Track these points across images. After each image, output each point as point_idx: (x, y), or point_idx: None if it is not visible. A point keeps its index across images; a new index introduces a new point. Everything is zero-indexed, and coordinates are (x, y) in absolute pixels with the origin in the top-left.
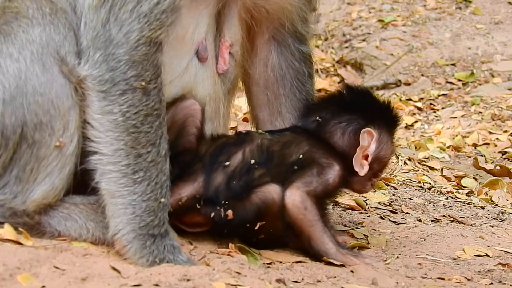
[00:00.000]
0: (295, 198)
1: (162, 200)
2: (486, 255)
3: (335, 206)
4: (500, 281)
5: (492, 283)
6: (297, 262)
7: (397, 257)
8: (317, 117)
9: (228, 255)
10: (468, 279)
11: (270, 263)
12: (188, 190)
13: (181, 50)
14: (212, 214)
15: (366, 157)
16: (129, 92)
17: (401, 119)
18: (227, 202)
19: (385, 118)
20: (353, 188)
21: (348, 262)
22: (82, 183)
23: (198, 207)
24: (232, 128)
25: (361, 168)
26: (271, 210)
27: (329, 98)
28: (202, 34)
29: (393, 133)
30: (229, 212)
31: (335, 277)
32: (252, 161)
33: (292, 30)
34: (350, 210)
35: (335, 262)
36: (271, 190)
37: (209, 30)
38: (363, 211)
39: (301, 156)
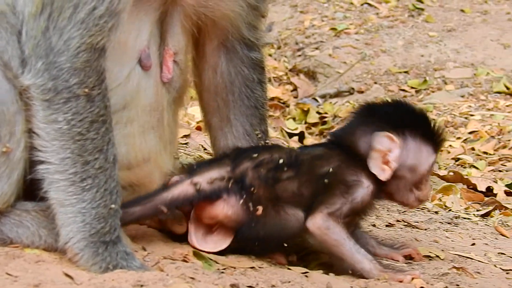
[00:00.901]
0: (316, 220)
1: (113, 206)
2: (440, 258)
3: None
4: (457, 285)
5: (447, 287)
6: (251, 267)
7: None
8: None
9: (183, 260)
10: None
11: (224, 269)
12: (216, 173)
13: (123, 58)
14: (241, 201)
15: (387, 163)
16: (73, 100)
17: (444, 132)
18: (253, 189)
19: (418, 128)
20: (396, 200)
21: (390, 277)
22: (32, 190)
23: (226, 193)
24: (185, 136)
25: (381, 172)
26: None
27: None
28: (145, 42)
29: (431, 144)
30: (259, 207)
31: (289, 281)
32: (281, 161)
33: (240, 36)
34: None
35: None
36: (295, 215)
37: (152, 38)
38: None
39: (331, 169)
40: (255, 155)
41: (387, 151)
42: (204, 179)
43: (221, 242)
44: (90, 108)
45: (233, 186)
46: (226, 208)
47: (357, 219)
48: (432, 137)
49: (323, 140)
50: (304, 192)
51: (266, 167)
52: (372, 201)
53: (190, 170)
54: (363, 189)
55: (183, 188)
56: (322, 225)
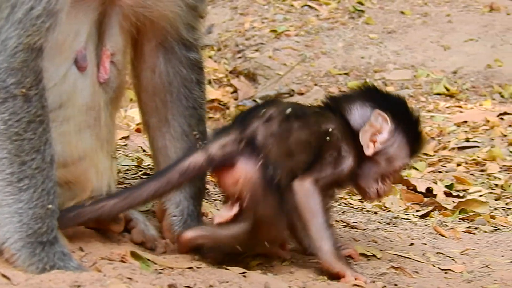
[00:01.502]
0: (304, 183)
1: (50, 206)
2: (377, 257)
3: None
4: (396, 284)
5: (385, 286)
6: (189, 268)
7: (292, 261)
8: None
9: (120, 261)
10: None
11: (162, 269)
12: (227, 138)
13: (59, 58)
14: (258, 161)
15: (374, 142)
16: (10, 100)
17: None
18: (268, 147)
19: (410, 128)
20: (359, 185)
21: (338, 268)
22: None
23: (240, 155)
24: (124, 137)
25: (367, 147)
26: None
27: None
28: (82, 43)
29: (413, 147)
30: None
31: (227, 282)
32: (289, 110)
33: (178, 37)
34: None
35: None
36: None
37: (89, 39)
38: None
39: (331, 129)
40: (263, 111)
41: (379, 130)
42: (216, 146)
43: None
44: (27, 108)
45: (246, 148)
46: (245, 171)
47: (330, 194)
48: (416, 142)
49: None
50: (312, 144)
51: (276, 120)
52: (348, 179)
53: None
54: (349, 162)
55: (193, 159)
56: (308, 188)
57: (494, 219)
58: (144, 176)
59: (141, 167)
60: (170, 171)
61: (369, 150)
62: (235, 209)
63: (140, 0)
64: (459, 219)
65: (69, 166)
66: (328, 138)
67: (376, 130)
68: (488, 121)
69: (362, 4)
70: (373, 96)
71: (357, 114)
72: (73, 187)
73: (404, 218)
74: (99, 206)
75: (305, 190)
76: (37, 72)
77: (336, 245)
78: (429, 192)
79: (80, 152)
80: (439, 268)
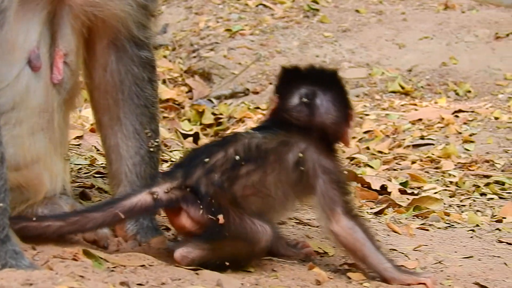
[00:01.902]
0: (342, 223)
1: (1, 205)
2: (329, 254)
3: None
4: (349, 281)
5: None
6: (141, 265)
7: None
8: (302, 98)
9: (72, 259)
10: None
11: (114, 267)
12: (172, 182)
13: (12, 58)
14: (201, 210)
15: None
16: None
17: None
18: (210, 198)
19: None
20: None
21: (407, 279)
22: None
23: (184, 202)
24: (78, 137)
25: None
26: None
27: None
28: (34, 43)
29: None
30: (220, 216)
31: (180, 279)
32: (237, 158)
33: (130, 35)
34: None
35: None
36: (263, 231)
37: (41, 39)
38: None
39: (300, 154)
40: (207, 159)
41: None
42: (161, 189)
43: None
44: None
45: (190, 195)
46: (190, 218)
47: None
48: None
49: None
50: (274, 188)
51: (220, 170)
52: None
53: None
54: (338, 165)
55: (142, 197)
56: (346, 225)
57: (448, 216)
58: (97, 175)
59: (94, 166)
60: (118, 206)
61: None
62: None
63: (89, 1)
64: (413, 216)
65: (22, 170)
66: (302, 168)
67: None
68: (443, 118)
69: (316, 3)
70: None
71: (321, 111)
72: (25, 191)
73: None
74: (45, 225)
75: (345, 229)
76: None
77: (391, 260)
78: (383, 189)
79: (33, 155)
80: None
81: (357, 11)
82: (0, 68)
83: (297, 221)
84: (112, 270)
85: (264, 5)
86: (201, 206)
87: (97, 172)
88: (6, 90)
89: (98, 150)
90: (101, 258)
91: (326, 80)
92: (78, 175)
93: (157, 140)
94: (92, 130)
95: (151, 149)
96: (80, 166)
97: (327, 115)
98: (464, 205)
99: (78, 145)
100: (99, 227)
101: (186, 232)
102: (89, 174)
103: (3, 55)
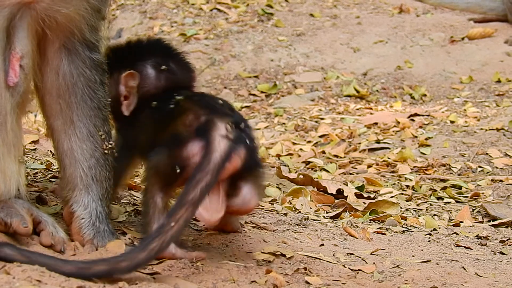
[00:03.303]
0: None
1: None
2: (288, 258)
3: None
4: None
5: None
6: None
7: (202, 264)
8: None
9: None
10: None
11: None
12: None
13: None
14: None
15: None
16: None
17: None
18: None
19: None
20: None
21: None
22: None
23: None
24: (34, 142)
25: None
26: None
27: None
28: None
29: None
30: None
31: (137, 283)
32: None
33: (82, 38)
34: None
35: None
36: None
37: None
38: None
39: None
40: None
41: None
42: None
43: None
44: None
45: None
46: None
47: None
48: None
49: None
50: None
51: None
52: None
53: None
54: None
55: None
56: None
57: (405, 220)
58: (53, 180)
59: (50, 170)
60: None
61: None
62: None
63: (52, 3)
64: (370, 220)
65: None
66: None
67: None
68: (398, 122)
69: (271, 7)
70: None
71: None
72: None
73: (314, 220)
74: None
75: None
76: None
77: None
78: (340, 193)
79: None
80: (349, 268)
81: (311, 15)
82: None
83: (254, 225)
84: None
85: (219, 10)
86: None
87: (53, 177)
88: None
89: (53, 154)
90: None
91: (163, 47)
92: (34, 179)
93: (110, 142)
94: (47, 135)
95: (106, 151)
96: (36, 171)
97: (185, 73)
98: (421, 209)
99: (34, 149)
100: None
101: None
102: (45, 178)
103: None
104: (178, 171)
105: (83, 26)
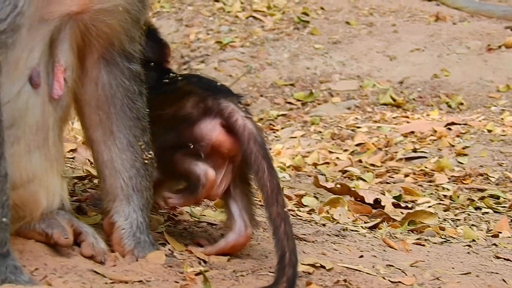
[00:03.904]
0: None
1: (3, 220)
2: (327, 270)
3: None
4: None
5: None
6: (139, 281)
7: (241, 275)
8: None
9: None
10: None
11: (112, 283)
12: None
13: (14, 75)
14: None
15: None
16: None
17: None
18: None
19: None
20: None
21: None
22: None
23: None
24: (72, 150)
25: None
26: None
27: None
28: (36, 60)
29: None
30: None
31: None
32: None
33: (120, 49)
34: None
35: None
36: None
37: (43, 55)
38: (201, 227)
39: None
40: None
41: None
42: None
43: None
44: None
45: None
46: None
47: None
48: None
49: None
50: None
51: None
52: None
53: None
54: None
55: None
56: None
57: (443, 230)
58: (90, 190)
59: (89, 180)
60: None
61: None
62: None
63: (98, 15)
64: (408, 230)
65: (18, 189)
66: None
67: None
68: (435, 131)
69: (307, 14)
70: None
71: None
72: (20, 210)
73: (353, 230)
74: None
75: None
76: None
77: None
78: (377, 203)
79: (29, 173)
80: (389, 280)
81: (347, 23)
82: (4, 85)
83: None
84: (112, 286)
85: (255, 17)
86: None
87: (92, 187)
88: (7, 106)
89: (92, 163)
90: (99, 273)
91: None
92: (74, 189)
93: (150, 152)
94: (84, 143)
95: (146, 161)
96: (75, 181)
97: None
98: (458, 219)
99: (72, 158)
100: None
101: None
102: (84, 188)
103: (7, 72)
104: (191, 146)
105: (122, 36)
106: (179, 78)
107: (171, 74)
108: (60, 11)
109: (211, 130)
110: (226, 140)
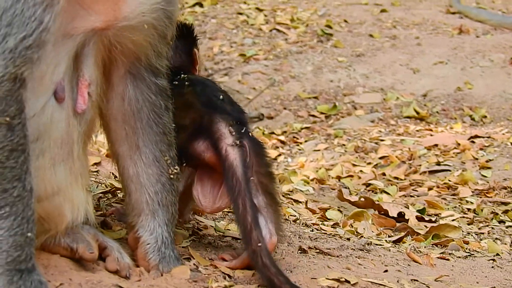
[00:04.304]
0: None
1: (29, 234)
2: (352, 284)
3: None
4: None
5: None
6: None
7: None
8: None
9: None
10: None
11: None
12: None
13: (40, 89)
14: None
15: None
16: None
17: None
18: None
19: None
20: None
21: None
22: None
23: None
24: (95, 164)
25: None
26: None
27: None
28: (61, 74)
29: None
30: None
31: None
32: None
33: (147, 64)
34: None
35: None
36: None
37: (67, 70)
38: (225, 241)
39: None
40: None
41: None
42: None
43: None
44: (10, 136)
45: None
46: None
47: None
48: None
49: None
50: None
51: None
52: None
53: None
54: None
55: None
56: None
57: (467, 244)
58: (115, 204)
59: (114, 194)
60: None
61: None
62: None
63: (123, 31)
64: (432, 244)
65: (42, 201)
66: None
67: None
68: (459, 144)
69: (330, 27)
70: None
71: None
72: (45, 222)
73: (377, 244)
74: None
75: None
76: (20, 102)
77: None
78: (401, 216)
79: (54, 186)
80: None
81: (371, 35)
82: (30, 99)
83: (317, 250)
84: None
85: (278, 30)
86: None
87: (117, 202)
88: (32, 120)
89: (116, 177)
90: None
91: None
92: (98, 203)
93: (176, 167)
94: (108, 156)
95: (172, 176)
96: (100, 195)
97: None
98: (482, 233)
99: (96, 171)
100: None
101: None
102: (109, 202)
103: (33, 86)
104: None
105: (149, 52)
106: (186, 82)
107: (181, 75)
108: (84, 27)
109: (204, 151)
110: (217, 163)
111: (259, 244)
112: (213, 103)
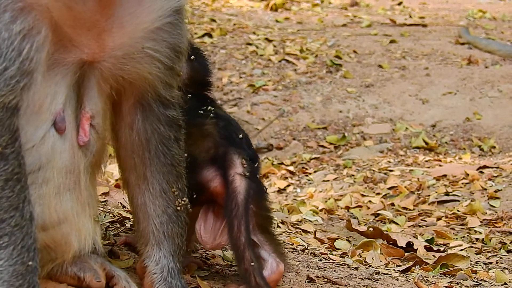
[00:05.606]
0: None
1: (30, 263)
2: None
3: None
4: None
5: None
6: None
7: None
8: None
9: None
10: None
11: None
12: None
13: (38, 120)
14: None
15: None
16: None
17: None
18: None
19: None
20: None
21: None
22: None
23: None
24: (104, 193)
25: None
26: None
27: None
28: (60, 105)
29: None
30: None
31: None
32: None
33: (156, 95)
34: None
35: None
36: None
37: (68, 101)
38: (233, 271)
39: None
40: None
41: None
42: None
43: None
44: (4, 166)
45: None
46: None
47: None
48: None
49: None
50: None
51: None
52: None
53: None
54: None
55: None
56: None
57: (475, 273)
58: (123, 234)
59: (122, 223)
60: None
61: None
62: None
63: (119, 63)
64: (440, 274)
65: (48, 230)
66: None
67: None
68: (467, 174)
69: (340, 58)
70: None
71: None
72: (52, 251)
73: (385, 273)
74: None
75: None
76: (12, 131)
77: None
78: (409, 246)
79: (60, 215)
80: None
81: (380, 66)
82: (27, 129)
83: (325, 279)
84: None
85: (287, 61)
86: None
87: (125, 231)
88: (32, 151)
89: (124, 207)
90: None
91: None
92: (106, 233)
93: (184, 199)
94: (117, 186)
95: (178, 208)
96: (108, 224)
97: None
98: (490, 263)
99: (105, 201)
100: None
101: None
102: (117, 232)
103: (30, 117)
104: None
105: (156, 83)
106: (212, 115)
107: (209, 107)
108: (72, 57)
109: (211, 180)
110: (222, 193)
111: (252, 264)
112: (231, 139)
